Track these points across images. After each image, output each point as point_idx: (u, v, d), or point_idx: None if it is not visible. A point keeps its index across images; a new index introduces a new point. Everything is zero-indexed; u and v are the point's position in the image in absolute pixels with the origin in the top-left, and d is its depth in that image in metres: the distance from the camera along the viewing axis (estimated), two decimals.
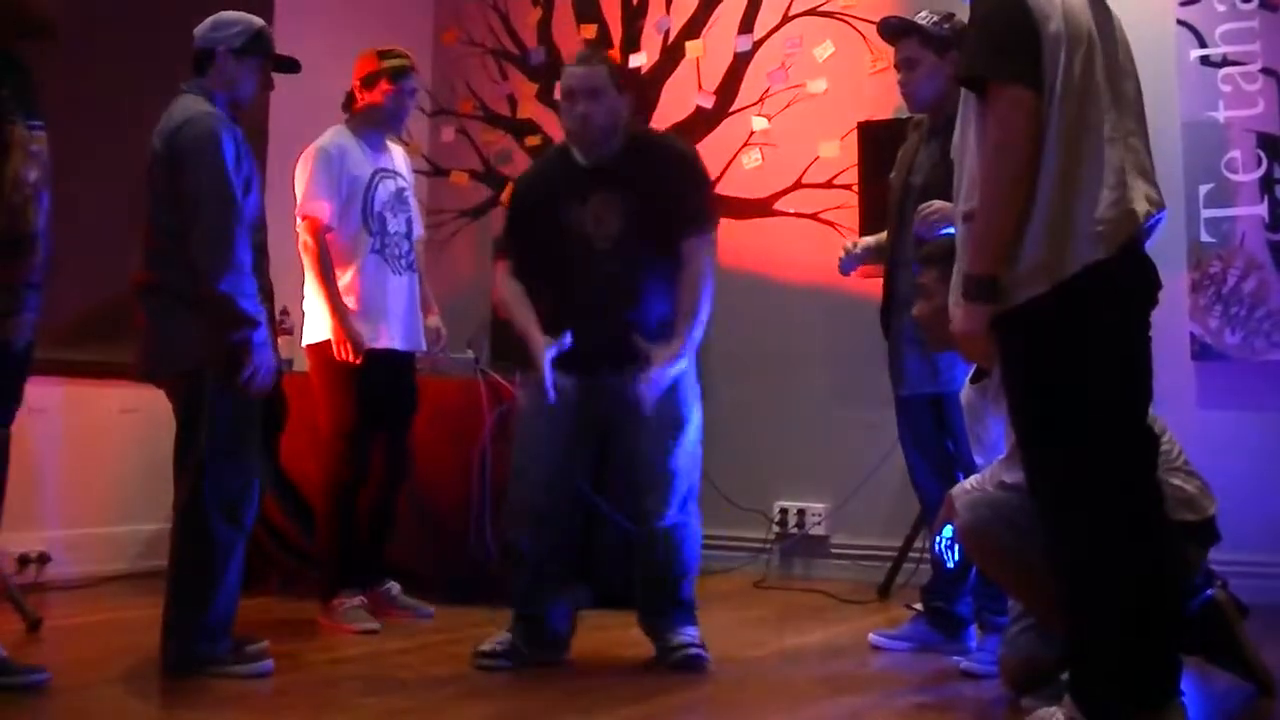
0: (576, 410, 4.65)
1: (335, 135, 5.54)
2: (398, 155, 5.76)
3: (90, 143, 6.04)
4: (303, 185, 5.44)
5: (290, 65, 4.70)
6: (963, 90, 3.61)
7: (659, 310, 4.64)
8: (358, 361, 5.32)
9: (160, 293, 4.37)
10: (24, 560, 5.91)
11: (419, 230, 5.82)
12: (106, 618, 5.49)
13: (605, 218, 4.63)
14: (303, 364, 5.87)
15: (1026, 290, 3.39)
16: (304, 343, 5.50)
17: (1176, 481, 3.97)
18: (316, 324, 5.42)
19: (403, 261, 5.58)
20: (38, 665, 4.14)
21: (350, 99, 5.61)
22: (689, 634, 4.68)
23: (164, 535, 4.47)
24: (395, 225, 5.57)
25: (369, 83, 5.52)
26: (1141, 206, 3.41)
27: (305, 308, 5.49)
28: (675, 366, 4.51)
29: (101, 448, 6.31)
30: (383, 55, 5.52)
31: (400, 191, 5.64)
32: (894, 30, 5.00)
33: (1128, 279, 3.43)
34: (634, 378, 4.49)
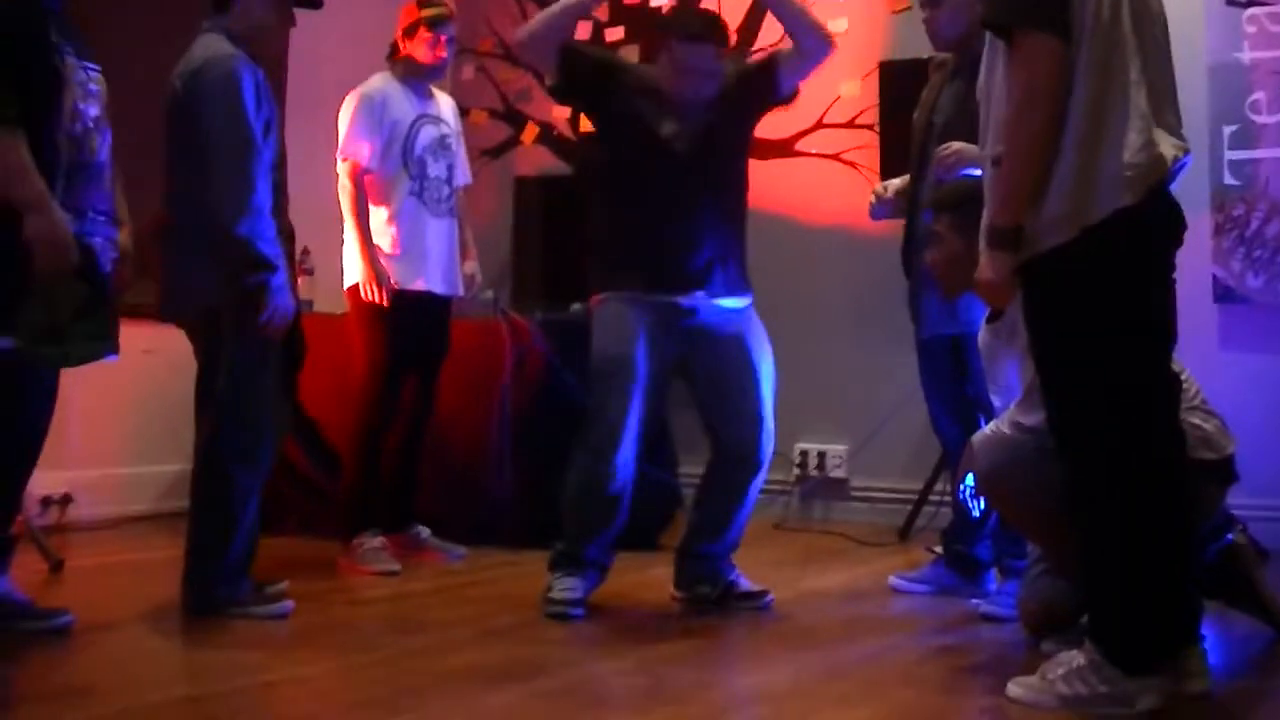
0: (651, 346, 4.63)
1: (379, 81, 5.64)
2: (444, 103, 5.84)
3: (110, 82, 6.02)
4: (344, 128, 5.54)
5: (312, 1, 4.69)
6: (989, 33, 3.59)
7: (737, 221, 4.82)
8: (384, 304, 5.37)
9: (179, 233, 4.38)
10: (47, 501, 5.93)
11: (464, 178, 5.89)
12: (128, 559, 5.53)
13: (683, 126, 4.68)
14: (323, 304, 5.92)
15: (1052, 237, 3.37)
16: (345, 284, 5.55)
17: (1195, 420, 3.95)
18: (353, 266, 5.48)
19: (443, 205, 5.65)
20: (61, 608, 4.17)
21: (394, 49, 5.67)
22: (745, 579, 4.80)
23: (186, 476, 4.48)
24: (436, 170, 5.63)
25: (409, 32, 5.60)
26: (1169, 151, 3.38)
27: (345, 251, 5.54)
28: None
29: (124, 389, 6.31)
30: (422, 4, 5.60)
31: (443, 138, 5.70)
32: None
33: (1153, 224, 3.41)
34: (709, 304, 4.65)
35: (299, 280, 5.04)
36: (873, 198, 5.19)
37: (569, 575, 4.62)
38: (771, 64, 4.78)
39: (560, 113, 7.85)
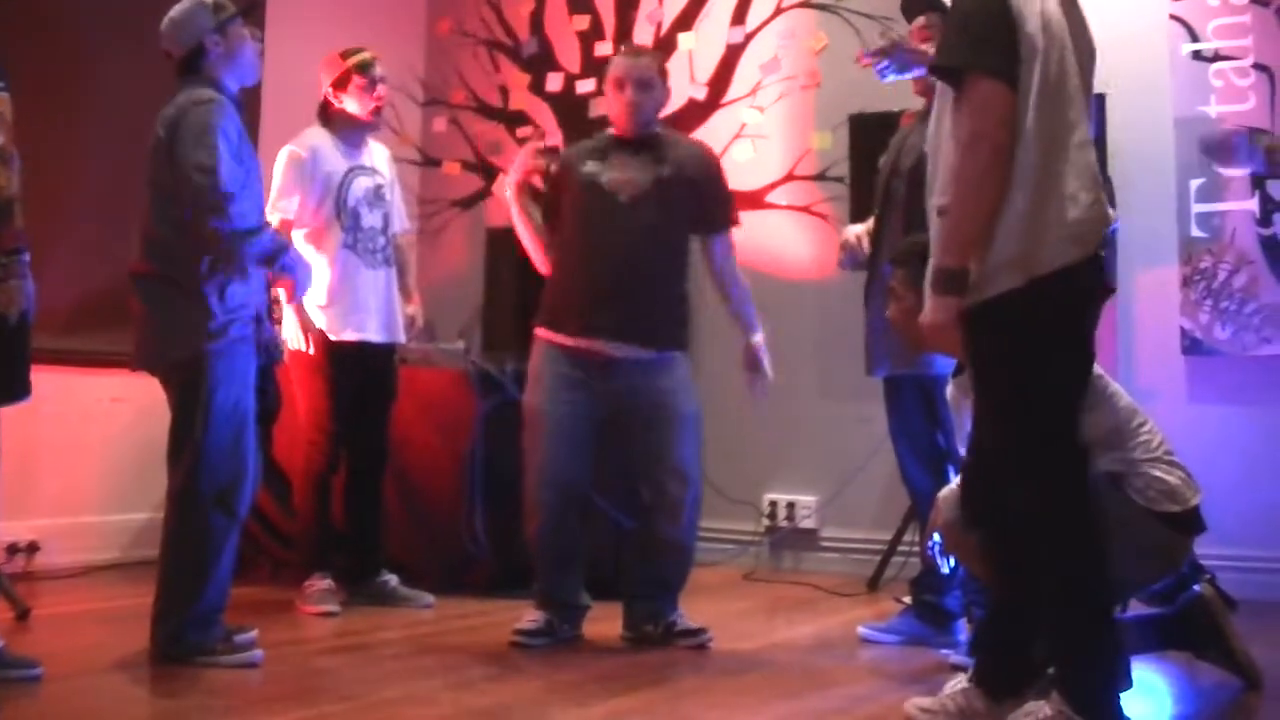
0: (588, 399, 4.84)
1: (309, 136, 5.65)
2: (378, 154, 5.85)
3: (81, 127, 6.03)
4: (275, 185, 5.52)
5: (251, 5, 4.80)
6: (938, 83, 3.64)
7: (674, 280, 4.94)
8: (311, 353, 5.43)
9: (157, 281, 4.35)
10: (13, 549, 5.91)
11: (403, 225, 5.94)
12: (96, 607, 5.49)
13: (627, 176, 4.87)
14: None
15: (999, 284, 3.43)
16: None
17: (1157, 473, 3.93)
18: (285, 317, 5.51)
19: (378, 255, 5.67)
20: (33, 659, 4.11)
21: (324, 106, 5.68)
22: (685, 619, 4.93)
23: (155, 524, 4.46)
24: (370, 220, 5.65)
25: (340, 84, 5.62)
26: (1109, 210, 3.50)
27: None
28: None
29: (92, 436, 6.31)
30: (346, 55, 5.63)
31: (378, 188, 5.72)
32: (923, 3, 4.99)
33: (1091, 279, 3.51)
34: (642, 361, 4.83)
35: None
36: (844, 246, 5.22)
37: (537, 609, 4.87)
38: (708, 228, 5.04)
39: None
